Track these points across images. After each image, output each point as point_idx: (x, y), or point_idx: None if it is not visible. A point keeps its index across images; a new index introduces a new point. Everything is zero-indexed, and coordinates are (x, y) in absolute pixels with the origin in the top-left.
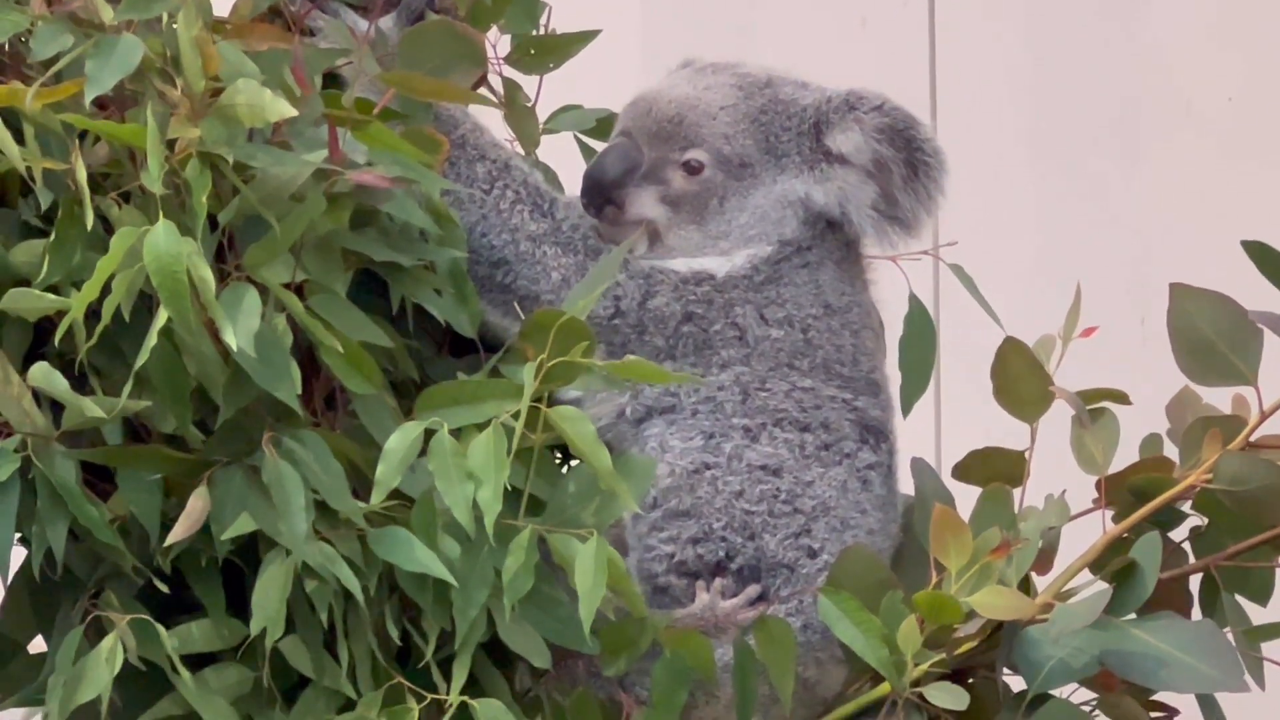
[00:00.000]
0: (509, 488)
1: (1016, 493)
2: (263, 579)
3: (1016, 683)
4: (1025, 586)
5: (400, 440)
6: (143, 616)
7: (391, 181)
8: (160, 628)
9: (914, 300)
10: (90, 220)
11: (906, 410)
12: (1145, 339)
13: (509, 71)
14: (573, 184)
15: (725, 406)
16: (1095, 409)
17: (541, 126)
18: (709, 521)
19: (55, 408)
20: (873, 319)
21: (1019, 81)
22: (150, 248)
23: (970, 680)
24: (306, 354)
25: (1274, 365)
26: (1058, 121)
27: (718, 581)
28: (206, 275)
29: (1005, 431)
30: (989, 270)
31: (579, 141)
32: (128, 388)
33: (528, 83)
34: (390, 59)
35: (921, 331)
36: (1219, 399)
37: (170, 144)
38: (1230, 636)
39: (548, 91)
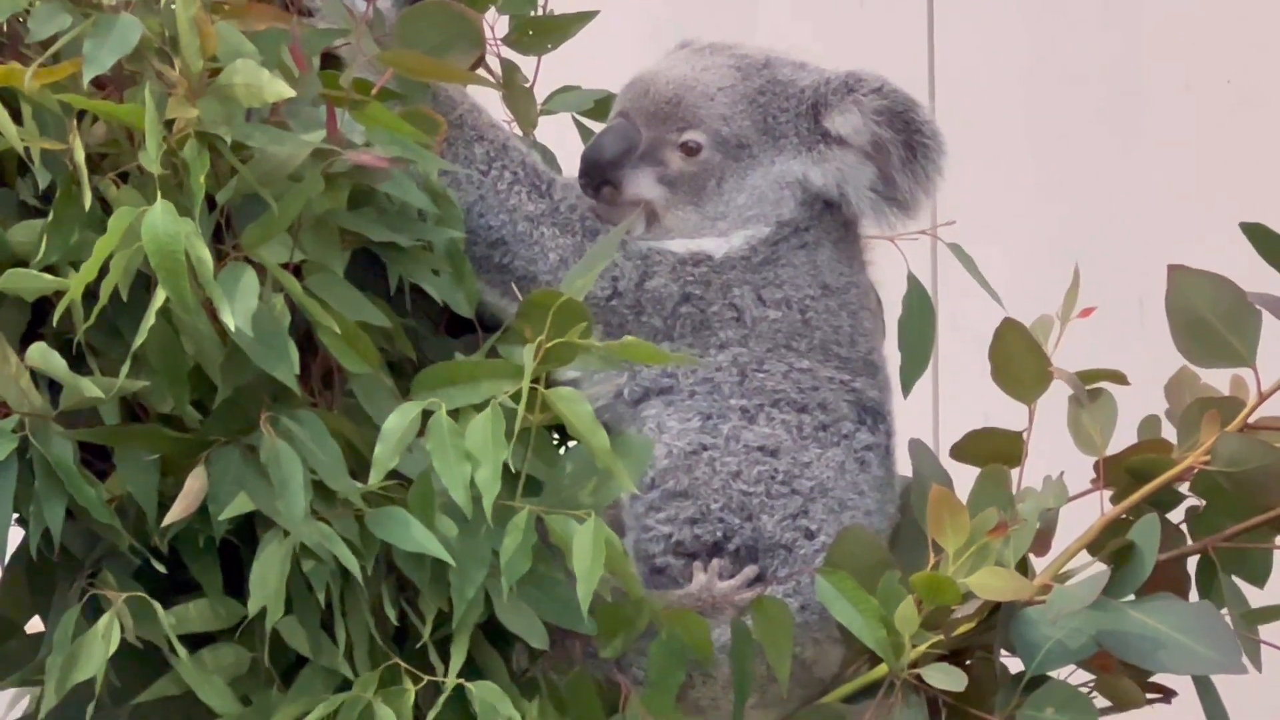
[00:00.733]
0: (507, 468)
1: (1014, 473)
2: (260, 559)
3: (1014, 664)
4: (1023, 568)
5: (398, 420)
6: (140, 596)
7: (389, 161)
8: (158, 607)
9: (912, 280)
10: (88, 200)
11: (905, 391)
12: (1143, 320)
13: (507, 52)
14: (570, 165)
15: (723, 387)
16: (1093, 389)
17: (539, 107)
18: (706, 502)
19: (53, 388)
20: (871, 299)
21: (1017, 62)
22: (148, 228)
23: (968, 661)
24: (304, 334)
25: (1272, 347)
26: (1056, 101)
27: (715, 562)
28: (204, 255)
29: (1003, 412)
30: (987, 250)
31: (577, 123)
32: (125, 367)
33: (526, 63)
34: (388, 39)
35: (920, 312)
36: (1217, 380)
37: (168, 124)
38: (1228, 618)
39: (546, 72)
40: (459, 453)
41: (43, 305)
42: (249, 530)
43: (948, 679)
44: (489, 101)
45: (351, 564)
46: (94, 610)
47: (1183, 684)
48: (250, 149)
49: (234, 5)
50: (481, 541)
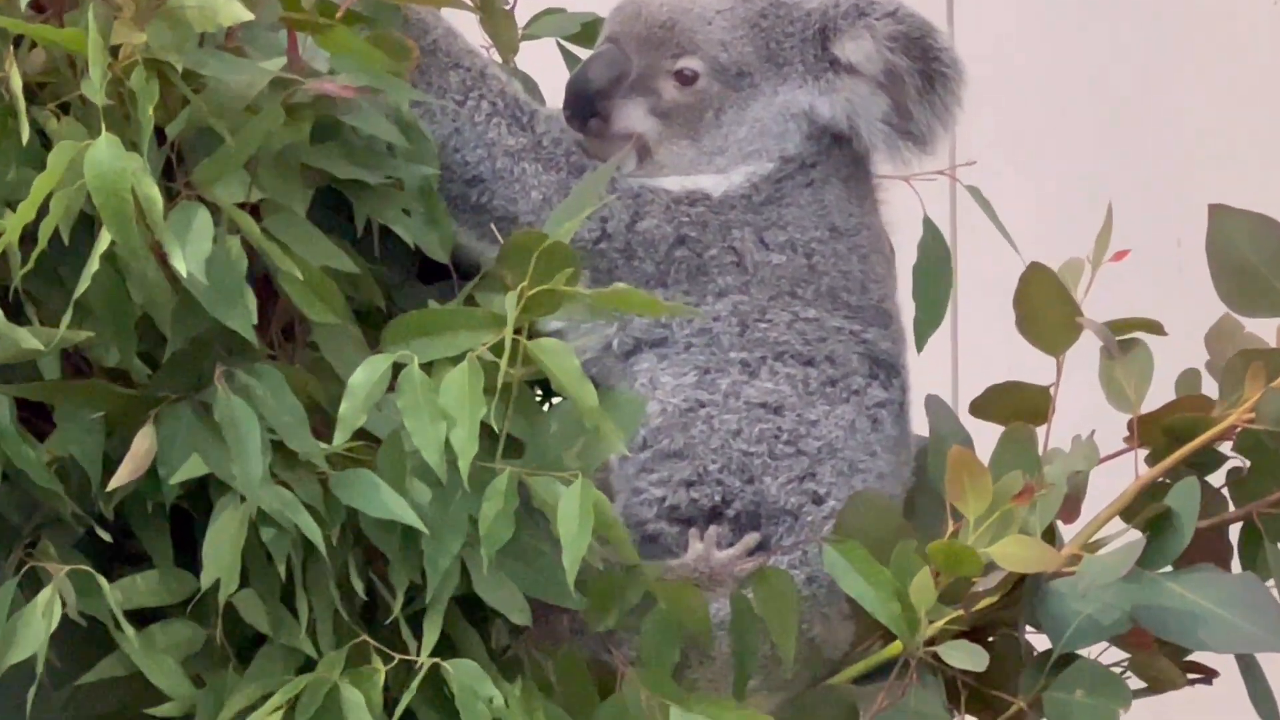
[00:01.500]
0: (486, 427)
1: (1041, 432)
2: (214, 527)
3: (1040, 641)
4: (1050, 536)
5: (366, 375)
6: (83, 568)
7: (356, 91)
8: (102, 580)
9: (929, 224)
10: (26, 134)
11: (921, 343)
12: (1181, 264)
13: None
14: (555, 95)
15: (721, 339)
16: (1127, 340)
17: (521, 32)
18: (704, 463)
19: None
20: (883, 243)
21: None
22: (92, 164)
23: (989, 639)
24: (262, 280)
25: None
26: (1085, 31)
27: (713, 529)
28: (153, 194)
29: (1028, 366)
30: (1010, 192)
31: (561, 48)
32: (67, 317)
33: None
34: None
35: (937, 258)
36: (1263, 330)
37: (113, 50)
38: (1274, 591)
39: None
40: (433, 410)
41: None
42: (202, 496)
43: (968, 658)
44: (465, 26)
45: (315, 532)
46: (33, 584)
47: (1225, 664)
48: (203, 78)
49: None
50: (457, 507)
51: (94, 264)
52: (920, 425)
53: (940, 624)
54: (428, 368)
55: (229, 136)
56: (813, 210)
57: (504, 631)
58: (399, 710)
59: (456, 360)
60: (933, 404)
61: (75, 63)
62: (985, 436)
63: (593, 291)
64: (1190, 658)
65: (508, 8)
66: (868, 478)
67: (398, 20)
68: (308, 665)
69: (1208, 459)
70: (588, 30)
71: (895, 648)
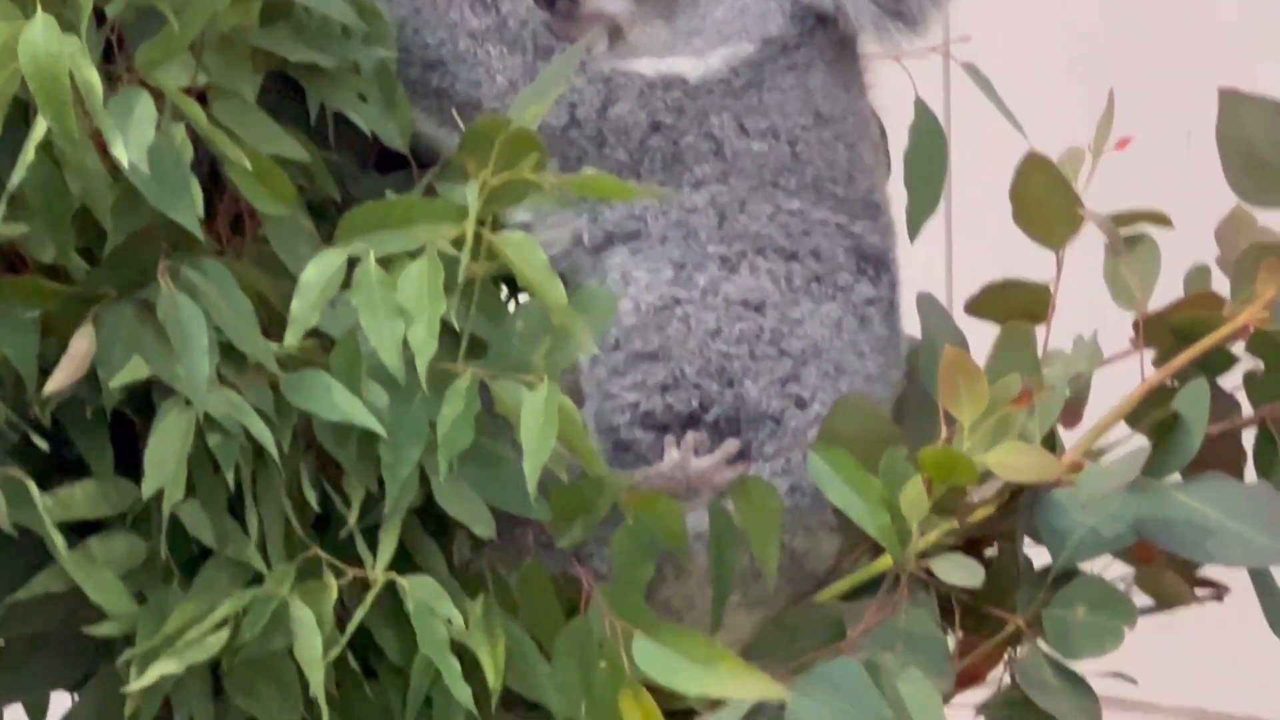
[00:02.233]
0: (446, 326)
1: (1040, 332)
2: (157, 434)
3: (1039, 555)
4: (1050, 443)
5: (319, 270)
6: (15, 475)
7: None
8: (34, 489)
9: (920, 107)
10: None
11: (913, 234)
12: (1190, 153)
13: None
14: None
15: (699, 232)
16: (1132, 235)
17: None
18: (680, 365)
19: None
20: (872, 129)
21: None
22: (26, 47)
23: (985, 553)
24: (209, 170)
25: None
26: None
27: (690, 436)
28: (92, 79)
29: (1027, 262)
30: (1008, 72)
31: None
32: (0, 210)
33: None
34: None
35: (930, 143)
36: (1277, 223)
37: None
38: None
39: None
40: (390, 307)
41: None
42: (145, 400)
43: (962, 572)
44: None
45: (265, 438)
46: None
47: (1237, 578)
48: None
49: None
50: (416, 411)
51: (29, 154)
52: (912, 325)
53: (933, 537)
54: (385, 263)
55: (173, 17)
56: (796, 95)
57: (466, 546)
58: (350, 628)
59: (415, 255)
60: (925, 302)
61: None
62: (981, 337)
63: (561, 178)
64: (1200, 572)
65: None
66: (855, 380)
67: None
68: (256, 580)
69: (1218, 360)
70: None
71: (884, 562)
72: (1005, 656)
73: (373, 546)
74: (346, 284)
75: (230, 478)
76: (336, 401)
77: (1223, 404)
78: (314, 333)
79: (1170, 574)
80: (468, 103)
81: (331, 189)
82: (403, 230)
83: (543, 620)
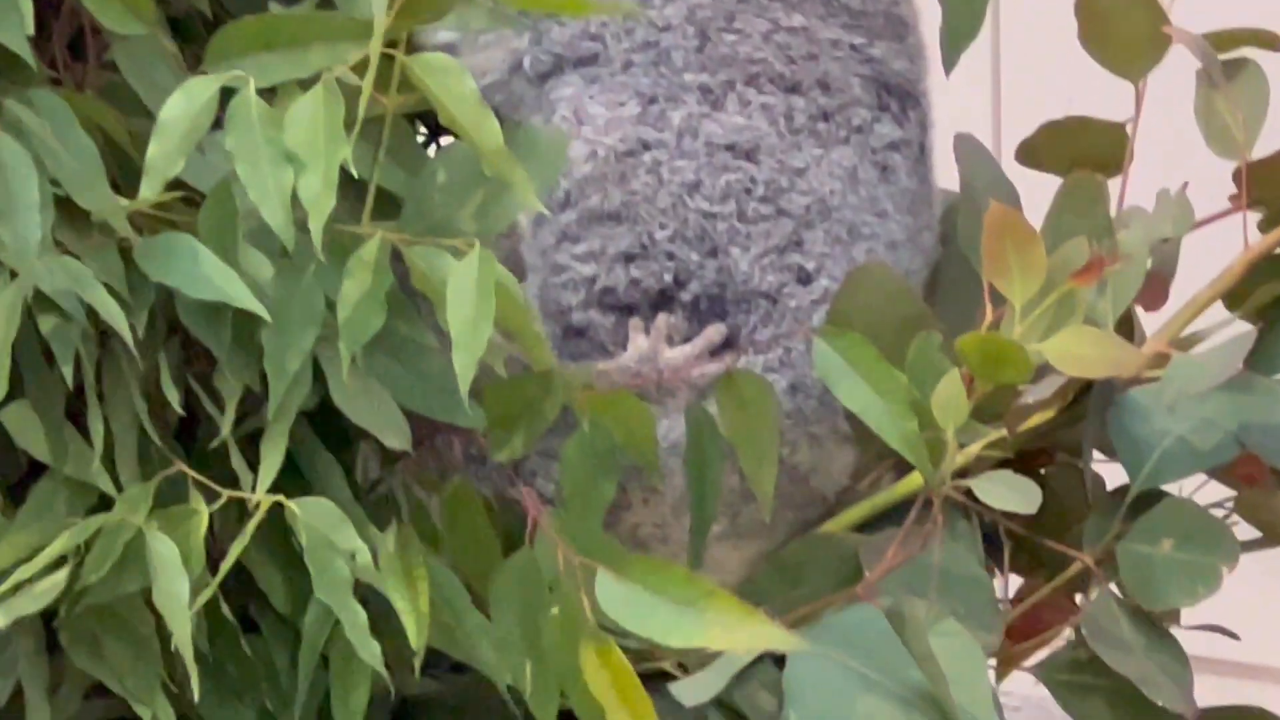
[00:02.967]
0: (348, 176)
1: (1113, 186)
2: None
3: (1113, 473)
4: (1127, 329)
5: (183, 104)
6: None
7: None
8: None
9: None
10: None
11: (949, 64)
12: None
13: None
14: None
15: (673, 55)
16: (1232, 60)
17: None
18: (648, 228)
19: None
20: None
21: None
22: None
23: (1042, 470)
24: None
25: None
26: None
27: (661, 319)
28: None
29: (1094, 97)
30: None
31: None
32: None
33: None
34: None
35: None
36: None
37: None
38: None
39: None
40: (275, 152)
41: None
42: None
43: (1012, 495)
44: None
45: (117, 318)
46: None
47: None
48: None
49: None
50: (309, 286)
51: None
52: (948, 176)
53: (975, 449)
54: (268, 94)
55: None
56: None
57: (374, 462)
58: (226, 564)
59: (307, 84)
60: (965, 145)
61: None
62: (1036, 191)
63: None
64: None
65: None
66: (874, 246)
67: None
68: (103, 506)
69: None
70: None
71: (912, 482)
72: (1069, 604)
73: (253, 462)
74: (219, 123)
75: (69, 372)
76: (206, 273)
77: None
78: (177, 184)
79: None
80: None
81: (200, 0)
82: (291, 53)
83: (474, 556)
